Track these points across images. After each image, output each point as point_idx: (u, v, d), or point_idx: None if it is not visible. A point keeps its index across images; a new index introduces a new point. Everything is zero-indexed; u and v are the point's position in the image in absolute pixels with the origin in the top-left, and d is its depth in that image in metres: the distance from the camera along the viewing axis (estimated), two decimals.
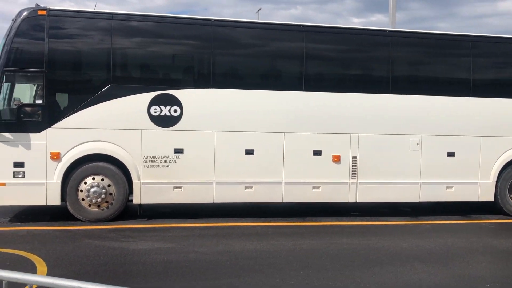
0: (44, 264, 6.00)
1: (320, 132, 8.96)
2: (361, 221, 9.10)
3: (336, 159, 9.01)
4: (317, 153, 8.95)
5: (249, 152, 8.71)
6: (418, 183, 9.29)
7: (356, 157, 9.09)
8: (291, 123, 8.85)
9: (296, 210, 9.78)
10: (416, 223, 9.13)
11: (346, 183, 9.08)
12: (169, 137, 8.39)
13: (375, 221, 9.15)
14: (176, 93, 8.37)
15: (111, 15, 8.31)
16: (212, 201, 8.70)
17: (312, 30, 9.02)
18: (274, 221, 8.86)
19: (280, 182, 8.85)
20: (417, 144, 9.24)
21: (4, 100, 8.12)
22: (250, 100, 8.72)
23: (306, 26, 8.97)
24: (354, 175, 9.11)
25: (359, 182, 9.11)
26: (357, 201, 9.19)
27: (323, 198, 9.11)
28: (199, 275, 5.80)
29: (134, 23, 8.55)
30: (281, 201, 8.96)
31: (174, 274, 5.81)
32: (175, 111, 8.37)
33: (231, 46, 9.00)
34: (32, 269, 5.79)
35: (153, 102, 8.28)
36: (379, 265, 6.33)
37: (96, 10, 8.64)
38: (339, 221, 9.00)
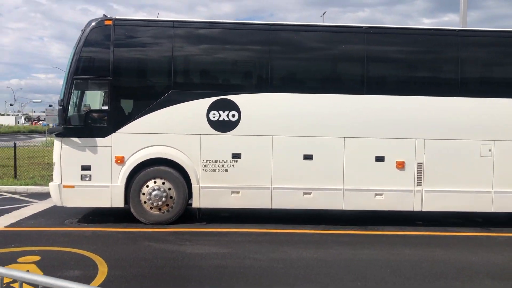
0: (105, 265, 6.21)
1: (383, 137, 8.61)
2: (426, 231, 8.60)
3: (400, 165, 8.60)
4: (379, 159, 8.60)
5: (308, 157, 8.54)
6: (490, 192, 8.64)
7: (421, 163, 8.62)
8: (352, 128, 8.58)
9: (357, 218, 9.44)
10: (488, 235, 8.48)
11: (411, 191, 8.63)
12: (227, 141, 8.44)
13: (442, 231, 8.61)
14: (234, 98, 8.41)
15: (172, 22, 8.52)
16: (269, 207, 8.62)
17: (374, 32, 8.70)
18: (334, 229, 8.61)
19: (340, 189, 8.59)
20: (489, 150, 8.60)
21: (73, 107, 8.55)
22: (309, 104, 8.56)
23: (367, 28, 8.67)
24: (419, 183, 8.64)
25: (425, 190, 8.63)
26: (423, 209, 8.70)
27: (386, 206, 8.73)
28: (252, 281, 5.74)
29: (194, 30, 8.71)
30: (341, 208, 8.69)
31: (228, 280, 5.79)
32: (233, 116, 8.40)
33: (290, 50, 8.88)
34: (93, 269, 6.03)
35: (212, 107, 8.37)
36: (444, 279, 5.93)
37: (158, 18, 8.88)
38: (403, 231, 8.57)
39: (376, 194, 8.61)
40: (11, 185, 12.75)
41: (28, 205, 10.45)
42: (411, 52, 9.01)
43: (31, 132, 57.46)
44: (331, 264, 6.52)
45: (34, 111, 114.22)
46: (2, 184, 12.88)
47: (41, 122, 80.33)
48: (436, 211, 8.93)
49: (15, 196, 11.83)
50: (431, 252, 7.16)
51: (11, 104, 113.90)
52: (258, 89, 8.61)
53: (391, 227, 8.72)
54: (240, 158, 8.46)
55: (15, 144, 15.19)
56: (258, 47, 8.73)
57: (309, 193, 8.56)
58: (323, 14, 34.40)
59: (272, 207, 8.65)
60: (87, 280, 5.63)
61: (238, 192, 8.50)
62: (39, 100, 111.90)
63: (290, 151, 8.54)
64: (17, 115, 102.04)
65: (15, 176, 14.04)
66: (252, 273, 6.06)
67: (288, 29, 8.81)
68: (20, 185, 12.81)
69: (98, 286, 5.42)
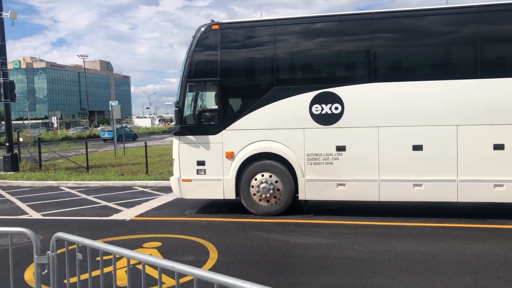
0: (216, 251, 6.74)
1: (502, 123, 7.91)
2: None
3: None
4: (498, 147, 7.92)
5: (417, 147, 8.21)
6: None
7: None
8: (465, 115, 8.03)
9: (475, 211, 8.81)
10: None
11: None
12: (331, 134, 8.48)
13: None
14: (337, 90, 8.41)
15: (273, 21, 8.81)
16: (377, 199, 8.47)
17: (488, 10, 8.01)
18: (447, 222, 8.17)
19: (454, 180, 8.11)
20: None
21: (188, 107, 9.32)
22: (416, 92, 8.21)
23: (480, 6, 8.01)
24: None
25: None
26: None
27: (508, 198, 8.01)
28: (353, 272, 5.77)
29: (293, 26, 8.89)
30: (455, 200, 8.19)
31: (329, 270, 5.90)
32: (336, 108, 8.42)
33: (393, 38, 8.58)
34: (205, 255, 6.59)
35: (314, 101, 8.48)
36: None
37: (261, 18, 9.23)
38: None
39: (495, 185, 7.95)
40: (143, 180, 14.26)
41: (155, 198, 11.64)
42: None
43: (164, 132, 62.85)
44: (439, 257, 6.24)
45: (167, 113, 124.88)
46: (136, 179, 14.47)
47: (172, 123, 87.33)
48: None
49: (146, 189, 13.22)
50: None
51: (147, 108, 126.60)
52: (361, 80, 8.49)
53: None
54: (345, 150, 8.45)
55: (146, 144, 16.94)
56: (359, 37, 8.61)
57: (420, 185, 8.22)
58: None
59: (380, 200, 8.49)
60: (199, 264, 6.17)
61: (344, 184, 8.50)
62: (170, 103, 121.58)
63: (397, 142, 8.29)
64: (152, 117, 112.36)
65: (147, 172, 15.67)
66: (354, 264, 6.09)
67: (391, 16, 8.51)
68: (150, 180, 14.26)
69: (208, 270, 5.93)
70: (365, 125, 8.38)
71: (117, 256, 3.00)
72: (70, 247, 3.30)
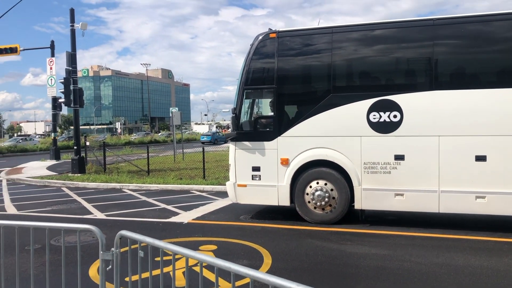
0: (270, 257, 6.80)
1: None
2: None
3: None
4: None
5: (480, 158, 7.86)
6: None
7: None
8: None
9: None
10: None
11: None
12: (389, 143, 8.31)
13: None
14: (395, 98, 8.24)
15: (331, 28, 8.80)
16: (437, 211, 8.18)
17: None
18: None
19: None
20: None
21: (246, 114, 9.48)
22: (480, 100, 7.88)
23: None
24: None
25: None
26: None
27: None
28: (410, 284, 5.63)
29: (351, 34, 8.81)
30: None
31: (385, 281, 5.79)
32: (395, 116, 8.25)
33: (455, 44, 8.28)
34: (259, 260, 6.66)
35: (372, 108, 8.36)
36: None
37: (318, 26, 9.23)
38: None
39: None
40: (200, 185, 14.62)
41: (212, 202, 11.89)
42: None
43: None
44: (504, 274, 5.94)
45: (224, 120, 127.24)
46: (193, 184, 14.87)
47: (229, 129, 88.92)
48: None
49: (203, 194, 13.54)
50: None
51: (205, 115, 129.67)
52: (421, 87, 8.27)
53: None
54: (404, 159, 8.25)
55: (203, 149, 17.37)
56: (420, 44, 8.38)
57: (483, 197, 7.86)
58: None
59: (440, 211, 8.19)
60: (253, 269, 6.25)
61: (402, 194, 8.29)
62: (227, 110, 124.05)
63: (459, 151, 7.99)
64: (210, 123, 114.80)
65: (204, 177, 16.04)
66: (410, 276, 5.93)
67: (453, 22, 8.23)
68: (207, 184, 14.60)
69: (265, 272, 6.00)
70: (425, 134, 8.14)
71: (176, 256, 3.14)
72: (132, 246, 3.48)
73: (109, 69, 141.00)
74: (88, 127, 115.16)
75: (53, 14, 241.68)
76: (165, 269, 3.70)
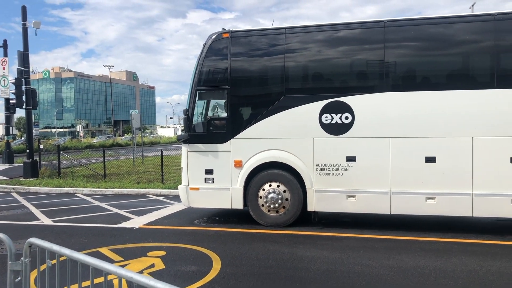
0: (220, 262, 6.60)
1: None
2: None
3: None
4: None
5: (430, 159, 7.93)
6: None
7: None
8: (482, 126, 7.72)
9: (494, 226, 8.44)
10: None
11: None
12: (341, 144, 8.28)
13: None
14: (347, 99, 8.22)
15: (284, 29, 8.70)
16: (388, 212, 8.21)
17: (505, 18, 7.73)
18: (463, 238, 7.83)
19: (468, 194, 7.79)
20: None
21: (198, 116, 9.26)
22: (429, 102, 7.95)
23: (497, 15, 7.74)
24: None
25: None
26: None
27: None
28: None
29: (305, 35, 8.72)
30: (470, 215, 7.87)
31: (333, 285, 5.69)
32: (346, 118, 8.22)
33: (406, 47, 8.34)
34: (208, 265, 6.45)
35: (324, 110, 8.31)
36: None
37: (272, 26, 9.13)
38: None
39: None
40: (157, 189, 14.26)
41: (167, 206, 11.59)
42: None
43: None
44: (452, 275, 5.95)
45: None
46: (150, 188, 14.49)
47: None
48: None
49: (160, 198, 13.20)
50: None
51: (170, 118, 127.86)
52: (372, 89, 8.29)
53: None
54: (355, 161, 8.23)
55: (161, 152, 16.99)
56: (371, 46, 8.40)
57: (433, 198, 7.94)
58: (472, 6, 31.30)
59: (392, 213, 8.22)
60: (201, 275, 6.04)
61: (354, 196, 8.27)
62: None
63: (410, 153, 8.04)
64: (176, 127, 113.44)
65: (162, 181, 15.68)
66: (360, 279, 5.85)
67: (402, 24, 8.29)
68: (165, 188, 14.25)
69: (209, 281, 5.81)
70: (376, 135, 8.15)
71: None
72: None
73: (72, 70, 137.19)
74: (49, 130, 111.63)
75: (14, 14, 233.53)
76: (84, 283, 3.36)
